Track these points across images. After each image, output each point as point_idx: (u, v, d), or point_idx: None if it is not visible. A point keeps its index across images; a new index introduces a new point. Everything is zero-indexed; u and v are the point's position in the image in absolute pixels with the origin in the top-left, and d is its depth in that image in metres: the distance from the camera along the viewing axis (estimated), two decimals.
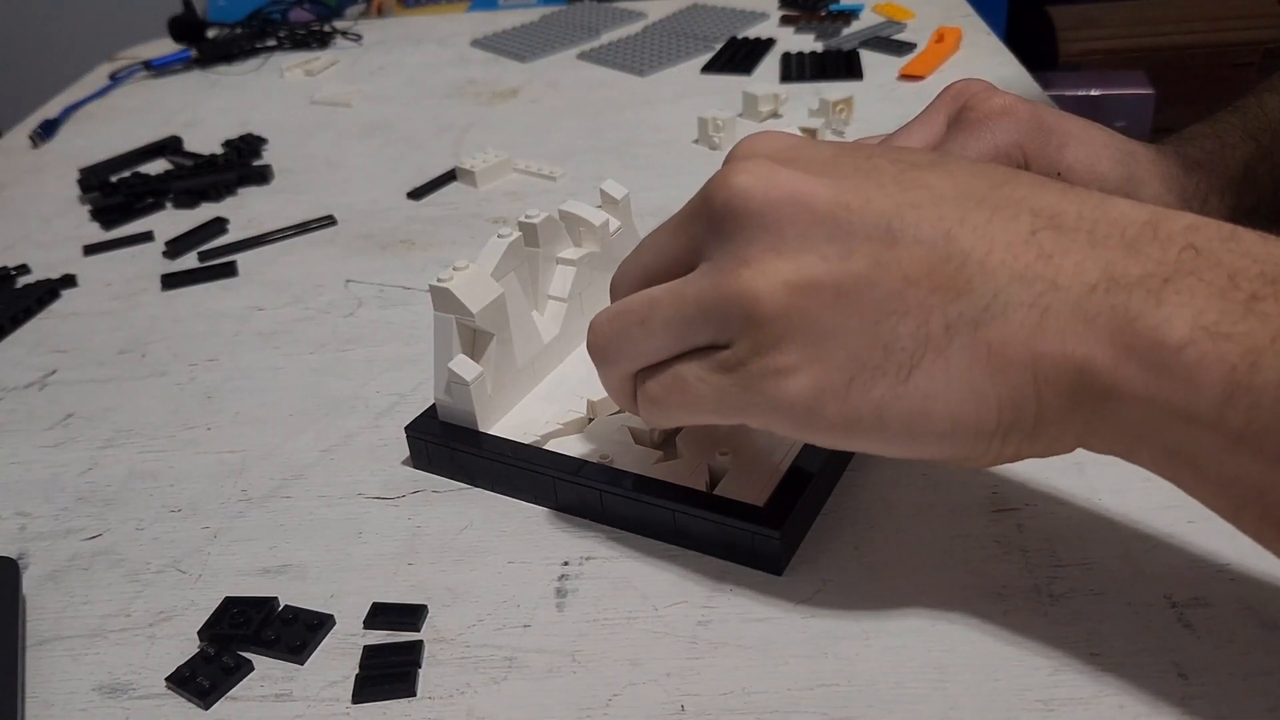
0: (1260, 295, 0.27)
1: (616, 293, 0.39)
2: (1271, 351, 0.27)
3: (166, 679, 0.37)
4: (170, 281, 0.65)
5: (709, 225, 0.34)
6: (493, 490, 0.45)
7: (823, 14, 1.04)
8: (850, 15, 1.03)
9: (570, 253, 0.49)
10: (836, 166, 0.33)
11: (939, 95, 0.46)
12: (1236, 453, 0.28)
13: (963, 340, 0.30)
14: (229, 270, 0.66)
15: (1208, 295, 0.28)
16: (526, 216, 0.47)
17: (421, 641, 0.38)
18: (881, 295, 0.31)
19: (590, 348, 0.38)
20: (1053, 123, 0.44)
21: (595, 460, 0.42)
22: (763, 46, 0.96)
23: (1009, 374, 0.30)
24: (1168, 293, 0.28)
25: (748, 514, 0.39)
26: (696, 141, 0.78)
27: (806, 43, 0.97)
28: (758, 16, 1.05)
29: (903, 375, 0.31)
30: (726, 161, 0.35)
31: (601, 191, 0.50)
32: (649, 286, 0.36)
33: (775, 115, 0.81)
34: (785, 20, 1.04)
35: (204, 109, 0.96)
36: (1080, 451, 0.40)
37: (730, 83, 0.90)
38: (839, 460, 0.42)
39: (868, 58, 0.91)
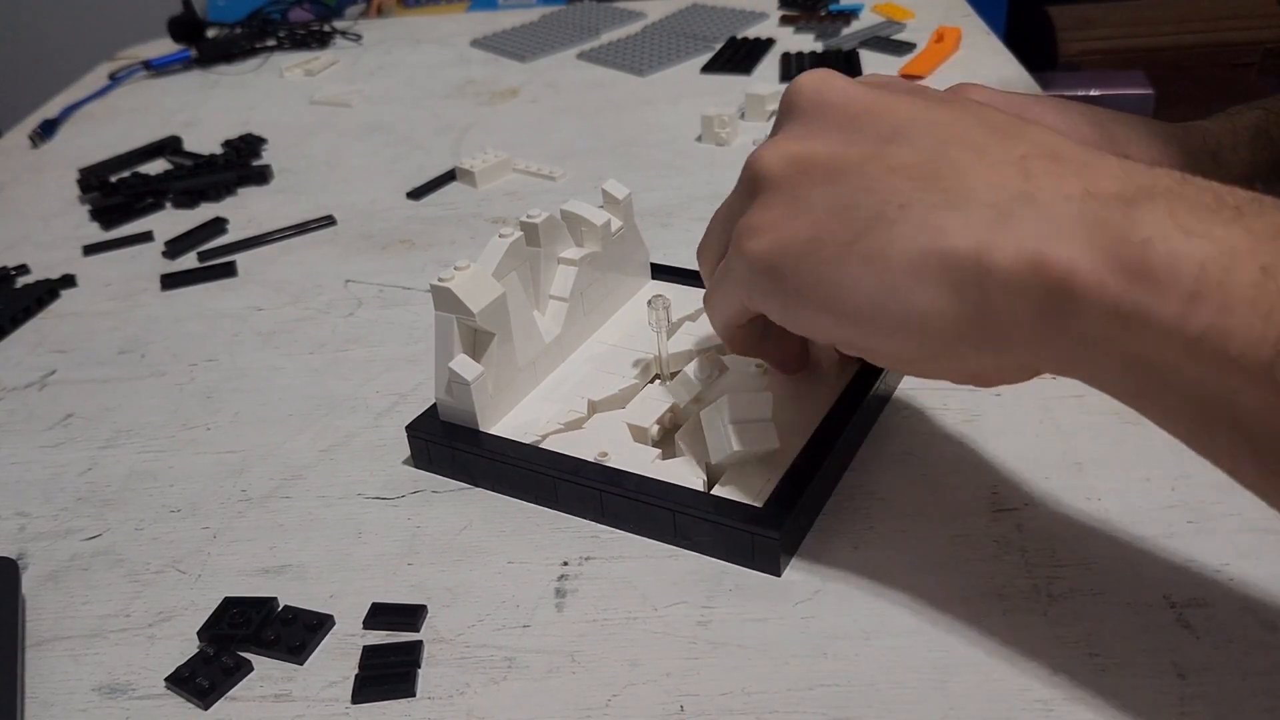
0: (1246, 211, 0.27)
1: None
2: (1252, 254, 0.26)
3: (166, 679, 0.37)
4: (170, 281, 0.65)
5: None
6: (493, 490, 0.45)
7: (822, 14, 1.04)
8: (850, 15, 1.03)
9: (571, 252, 0.49)
10: (893, 87, 0.35)
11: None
12: (1198, 358, 0.26)
13: (916, 217, 0.31)
14: (229, 270, 0.66)
15: (1189, 207, 0.27)
16: (528, 216, 0.47)
17: (421, 642, 0.38)
18: (860, 178, 0.32)
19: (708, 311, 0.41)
20: (1020, 105, 0.43)
21: (595, 460, 0.42)
22: (762, 46, 0.96)
23: (954, 260, 0.30)
24: (1143, 200, 0.27)
25: (747, 514, 0.39)
26: (700, 139, 0.78)
27: (806, 43, 0.97)
28: (757, 16, 1.05)
29: (847, 238, 0.32)
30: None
31: (603, 191, 0.50)
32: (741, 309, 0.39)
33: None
34: (785, 20, 1.04)
35: (204, 109, 0.96)
36: (1080, 451, 0.40)
37: (730, 83, 0.90)
38: (839, 461, 0.42)
39: (867, 57, 0.91)
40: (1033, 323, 0.29)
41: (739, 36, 1.00)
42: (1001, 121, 0.32)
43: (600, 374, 0.48)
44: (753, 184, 0.35)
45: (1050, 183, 0.29)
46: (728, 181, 0.71)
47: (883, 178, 0.32)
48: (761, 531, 0.38)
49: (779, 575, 0.39)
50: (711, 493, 0.40)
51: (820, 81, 0.35)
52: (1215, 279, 0.26)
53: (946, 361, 0.32)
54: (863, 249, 0.32)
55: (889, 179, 0.32)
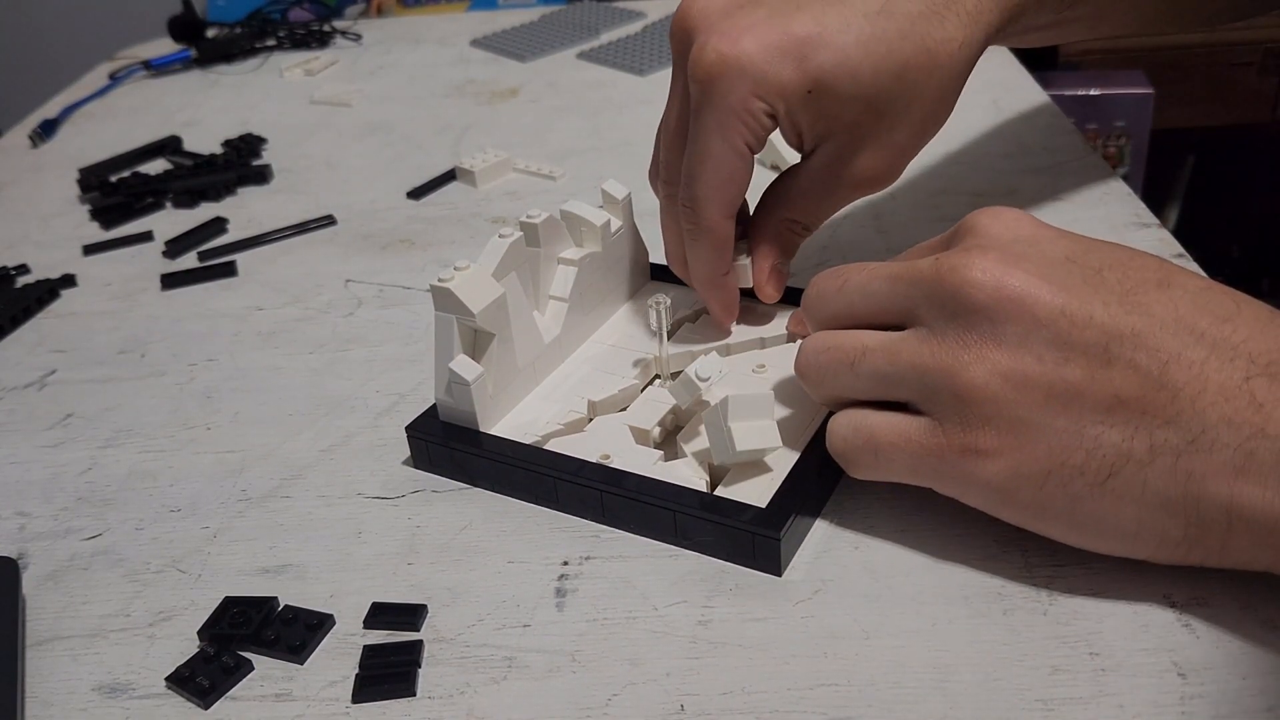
0: None
1: (814, 316, 0.41)
2: None
3: (166, 679, 0.37)
4: (170, 281, 0.65)
5: (931, 298, 0.36)
6: (493, 490, 0.45)
7: None
8: None
9: (571, 253, 0.49)
10: (1066, 273, 0.34)
11: (670, 38, 0.45)
12: None
13: (1165, 463, 0.33)
14: (229, 270, 0.66)
15: None
16: (528, 216, 0.47)
17: (421, 641, 0.38)
18: (1090, 405, 0.33)
19: (797, 368, 0.40)
20: (782, 41, 0.42)
21: (595, 460, 0.42)
22: None
23: (1205, 503, 0.32)
24: None
25: (748, 515, 0.39)
26: None
27: None
28: None
29: (1100, 478, 0.33)
30: (962, 237, 0.37)
31: (603, 191, 0.50)
32: (850, 325, 0.39)
33: None
34: None
35: (203, 109, 0.96)
36: None
37: None
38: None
39: None
40: (1270, 554, 0.33)
41: None
42: (1205, 321, 0.33)
43: (600, 374, 0.48)
44: (959, 400, 0.35)
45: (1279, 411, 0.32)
46: None
47: (1114, 408, 0.33)
48: (763, 532, 0.38)
49: (780, 575, 0.39)
50: (713, 494, 0.40)
51: (997, 279, 0.34)
52: None
53: (1168, 560, 0.35)
54: (1115, 489, 0.33)
55: (1121, 410, 0.33)
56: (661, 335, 0.47)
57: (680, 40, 0.45)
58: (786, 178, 0.47)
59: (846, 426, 0.39)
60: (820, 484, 0.41)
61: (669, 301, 0.45)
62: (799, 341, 0.42)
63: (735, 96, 0.42)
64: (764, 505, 0.39)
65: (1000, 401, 0.34)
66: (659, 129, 0.48)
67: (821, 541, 0.40)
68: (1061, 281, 0.34)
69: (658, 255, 0.56)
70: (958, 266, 0.35)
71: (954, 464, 0.35)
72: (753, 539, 0.38)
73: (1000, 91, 0.79)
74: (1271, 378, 0.32)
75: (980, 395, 0.34)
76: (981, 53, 0.46)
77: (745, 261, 0.48)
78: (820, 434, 0.42)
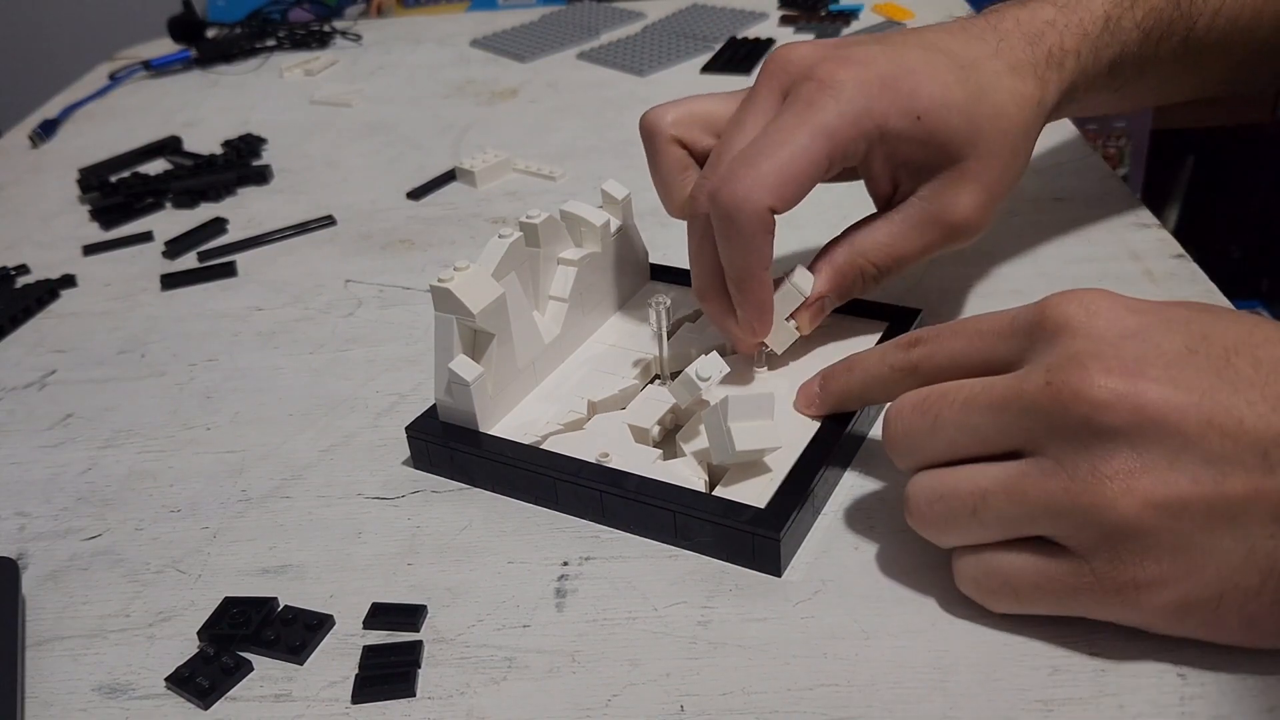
0: None
1: (906, 459, 0.37)
2: None
3: (166, 679, 0.37)
4: (170, 281, 0.65)
5: (1053, 428, 0.32)
6: (493, 490, 0.45)
7: (822, 14, 1.04)
8: (850, 15, 1.03)
9: (571, 253, 0.49)
10: (1197, 372, 0.31)
11: (762, 72, 0.46)
12: None
13: None
14: (228, 270, 0.66)
15: None
16: (527, 216, 0.47)
17: (421, 642, 0.38)
18: (1258, 518, 0.30)
19: (911, 522, 0.37)
20: (891, 69, 0.43)
21: (595, 460, 0.42)
22: (762, 46, 0.96)
23: None
24: None
25: (748, 515, 0.39)
26: None
27: None
28: (757, 16, 1.05)
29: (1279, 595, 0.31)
30: (1053, 335, 0.33)
31: (603, 192, 0.50)
32: (952, 462, 0.35)
33: None
34: (785, 20, 1.04)
35: (204, 109, 0.96)
36: None
37: (730, 83, 0.90)
38: (839, 461, 0.42)
39: None
40: None
41: (739, 36, 1.00)
42: None
43: (600, 374, 0.48)
44: (1108, 535, 0.31)
45: None
46: None
47: None
48: (763, 532, 0.38)
49: (779, 575, 0.39)
50: (713, 494, 0.40)
51: (1130, 399, 0.31)
52: None
53: None
54: None
55: None
56: (661, 335, 0.47)
57: (782, 69, 0.45)
58: (869, 224, 0.46)
59: (975, 568, 0.35)
60: (820, 484, 0.41)
61: (669, 301, 0.45)
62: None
63: (839, 109, 0.42)
64: (764, 505, 0.39)
65: (1158, 532, 0.31)
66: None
67: (821, 541, 0.40)
68: (1197, 385, 0.31)
69: (657, 255, 0.56)
70: (1077, 387, 0.31)
71: (1108, 600, 0.32)
72: (752, 539, 0.38)
73: None
74: None
75: (1133, 530, 0.31)
76: (1045, 122, 0.47)
77: (803, 275, 0.45)
78: (822, 434, 0.42)
